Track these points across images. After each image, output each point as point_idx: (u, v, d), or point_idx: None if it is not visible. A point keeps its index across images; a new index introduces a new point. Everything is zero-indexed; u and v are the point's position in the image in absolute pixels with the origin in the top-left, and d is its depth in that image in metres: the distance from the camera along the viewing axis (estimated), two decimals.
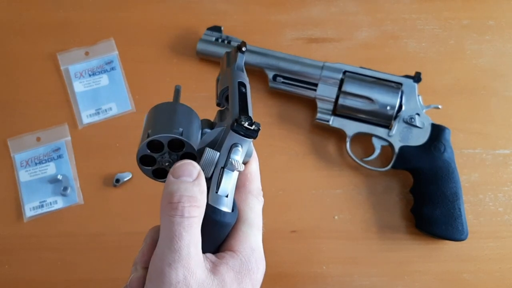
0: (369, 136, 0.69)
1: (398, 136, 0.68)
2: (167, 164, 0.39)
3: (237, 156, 0.38)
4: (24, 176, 0.70)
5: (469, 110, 0.74)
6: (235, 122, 0.37)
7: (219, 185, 0.38)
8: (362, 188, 0.71)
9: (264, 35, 0.76)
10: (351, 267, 0.68)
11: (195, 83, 0.74)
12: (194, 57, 0.75)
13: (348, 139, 0.69)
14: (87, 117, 0.73)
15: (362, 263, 0.68)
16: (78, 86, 0.74)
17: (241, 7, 0.78)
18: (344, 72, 0.70)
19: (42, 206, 0.69)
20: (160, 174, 0.40)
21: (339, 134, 0.71)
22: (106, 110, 0.73)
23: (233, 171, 0.38)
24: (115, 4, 0.78)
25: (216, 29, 0.74)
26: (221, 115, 0.43)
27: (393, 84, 0.68)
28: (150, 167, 0.40)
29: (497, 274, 0.68)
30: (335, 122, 0.70)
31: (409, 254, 0.68)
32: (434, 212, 0.65)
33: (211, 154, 0.37)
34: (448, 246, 0.68)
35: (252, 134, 0.37)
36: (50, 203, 0.69)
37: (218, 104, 0.43)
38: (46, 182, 0.70)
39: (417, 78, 0.69)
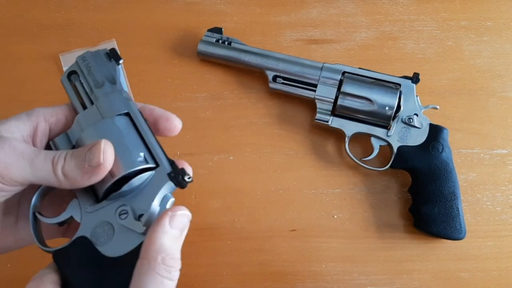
0: (368, 136, 0.70)
1: (397, 136, 0.69)
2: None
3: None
4: None
5: (467, 110, 0.74)
6: (178, 175, 0.37)
7: None
8: (361, 188, 0.71)
9: (264, 36, 0.77)
10: (350, 265, 0.68)
11: (196, 83, 0.75)
12: (195, 58, 0.75)
13: (347, 139, 0.70)
14: None
15: (361, 262, 0.69)
16: None
17: (242, 8, 0.78)
18: (343, 73, 0.70)
19: None
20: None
21: (338, 134, 0.72)
22: None
23: None
24: (116, 5, 0.78)
25: (217, 30, 0.74)
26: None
27: (391, 85, 0.69)
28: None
29: (494, 273, 0.68)
30: (334, 122, 0.70)
31: (407, 253, 0.69)
32: (432, 211, 0.66)
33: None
34: (446, 245, 0.69)
35: (185, 185, 0.37)
36: None
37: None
38: None
39: (415, 78, 0.70)
